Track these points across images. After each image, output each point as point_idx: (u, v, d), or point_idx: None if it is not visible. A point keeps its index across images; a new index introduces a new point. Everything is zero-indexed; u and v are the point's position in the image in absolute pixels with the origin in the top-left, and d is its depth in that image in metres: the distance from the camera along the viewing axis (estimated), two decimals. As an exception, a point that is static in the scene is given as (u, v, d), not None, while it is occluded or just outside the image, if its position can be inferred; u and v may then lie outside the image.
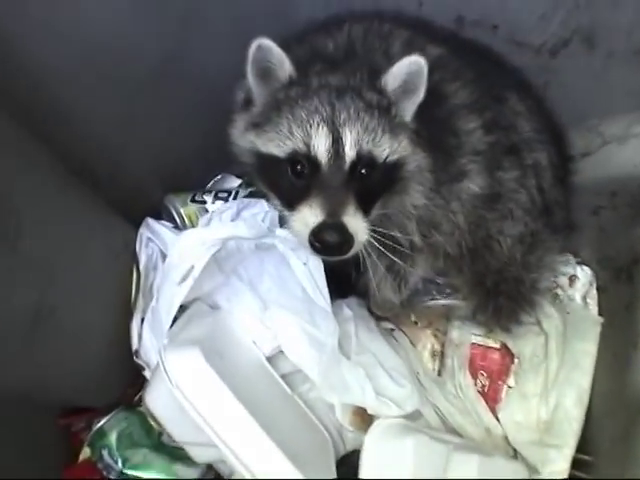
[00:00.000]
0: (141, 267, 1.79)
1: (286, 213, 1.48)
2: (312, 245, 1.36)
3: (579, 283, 2.04)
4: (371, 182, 1.42)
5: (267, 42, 1.36)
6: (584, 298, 2.04)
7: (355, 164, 1.38)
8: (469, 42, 1.76)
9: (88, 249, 1.62)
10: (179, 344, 1.56)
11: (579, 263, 2.06)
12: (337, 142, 1.36)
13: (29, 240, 1.34)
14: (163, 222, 1.89)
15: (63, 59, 1.49)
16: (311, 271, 1.72)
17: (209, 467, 1.79)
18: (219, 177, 2.17)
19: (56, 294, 1.45)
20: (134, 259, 1.80)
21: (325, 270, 1.70)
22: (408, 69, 1.38)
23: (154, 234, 1.83)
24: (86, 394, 1.76)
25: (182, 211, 1.97)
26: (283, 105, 1.42)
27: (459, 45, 1.71)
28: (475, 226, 1.68)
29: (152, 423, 1.76)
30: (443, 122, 1.55)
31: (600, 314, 2.00)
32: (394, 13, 1.71)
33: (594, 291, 2.04)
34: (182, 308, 1.71)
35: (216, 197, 1.98)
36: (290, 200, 1.43)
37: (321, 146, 1.36)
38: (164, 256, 1.81)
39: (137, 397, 1.88)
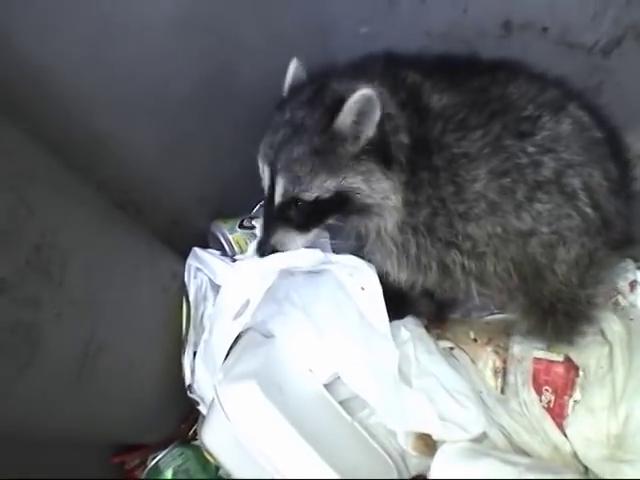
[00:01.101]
0: (191, 298, 1.73)
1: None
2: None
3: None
4: (305, 211, 1.56)
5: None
6: None
7: (283, 203, 1.56)
8: (501, 66, 1.66)
9: (135, 283, 1.57)
10: (234, 378, 1.50)
11: (639, 268, 1.95)
12: (273, 185, 1.56)
13: (75, 276, 1.32)
14: (211, 250, 1.84)
15: (101, 86, 1.48)
16: (369, 296, 1.67)
17: None
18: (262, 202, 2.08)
19: (104, 330, 1.41)
20: (183, 291, 1.75)
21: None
22: (360, 103, 1.43)
23: (202, 263, 1.77)
24: (139, 431, 1.72)
25: (230, 238, 1.93)
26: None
27: (481, 76, 1.63)
28: (518, 263, 1.64)
29: (208, 457, 1.70)
30: (439, 171, 1.56)
31: None
32: (420, 55, 1.66)
33: None
34: (235, 338, 1.64)
35: None
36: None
37: (266, 186, 1.60)
38: (214, 285, 1.76)
39: (191, 432, 1.84)
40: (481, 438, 1.71)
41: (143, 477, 1.78)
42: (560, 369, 1.82)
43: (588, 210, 1.59)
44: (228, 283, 1.66)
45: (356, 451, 1.63)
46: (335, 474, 1.42)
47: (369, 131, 1.47)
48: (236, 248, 1.91)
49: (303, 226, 1.59)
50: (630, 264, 1.95)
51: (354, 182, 1.51)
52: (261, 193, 1.87)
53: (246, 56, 1.67)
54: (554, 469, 1.66)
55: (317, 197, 1.51)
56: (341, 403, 1.69)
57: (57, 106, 1.42)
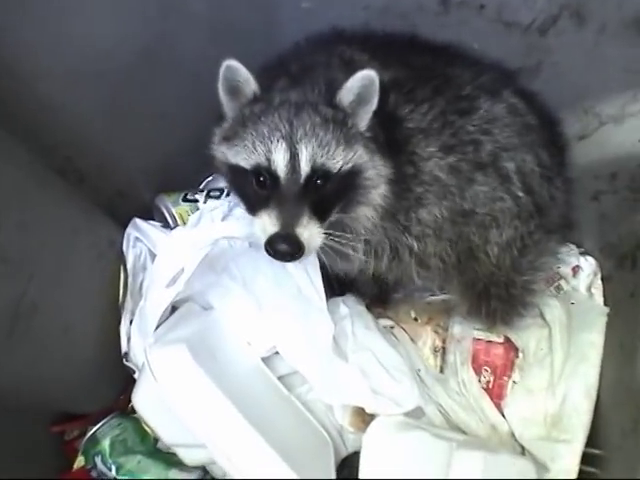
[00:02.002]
0: (129, 267, 1.70)
1: (250, 217, 1.51)
2: (267, 251, 1.41)
3: (583, 274, 1.94)
4: (326, 191, 1.46)
5: (234, 63, 1.42)
6: (589, 289, 1.92)
7: (310, 177, 1.42)
8: (435, 48, 1.68)
9: (71, 247, 1.54)
10: (165, 342, 1.48)
11: (582, 253, 1.96)
12: (294, 157, 1.41)
13: (6, 233, 1.29)
14: (151, 222, 1.81)
15: (42, 51, 1.46)
16: (306, 269, 1.66)
17: (205, 472, 1.70)
18: (210, 178, 2.08)
19: (38, 290, 1.39)
20: (121, 259, 1.71)
21: (321, 268, 1.67)
22: (361, 82, 1.41)
23: (142, 234, 1.74)
24: (77, 400, 1.70)
25: (174, 210, 1.89)
26: (248, 121, 1.47)
27: (423, 56, 1.65)
28: (454, 242, 1.65)
29: (147, 429, 1.70)
30: (399, 149, 1.54)
31: (605, 304, 1.89)
32: (362, 31, 1.66)
33: (599, 281, 1.93)
34: (173, 309, 1.64)
35: (208, 196, 1.92)
36: (253, 206, 1.48)
37: (280, 161, 1.41)
38: (153, 256, 1.73)
39: (131, 404, 1.77)
40: (418, 415, 1.70)
41: (81, 447, 1.74)
42: (499, 350, 1.84)
43: (520, 194, 1.61)
44: (163, 251, 1.63)
45: (292, 425, 1.62)
46: (262, 439, 1.40)
47: (370, 110, 1.45)
48: (179, 221, 1.88)
49: (323, 212, 1.45)
50: (573, 249, 1.96)
51: (363, 158, 1.47)
52: (207, 169, 1.86)
53: (188, 25, 1.64)
54: (489, 447, 1.65)
55: (340, 169, 1.43)
56: (280, 379, 1.69)
57: (2, 69, 1.39)
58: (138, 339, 1.61)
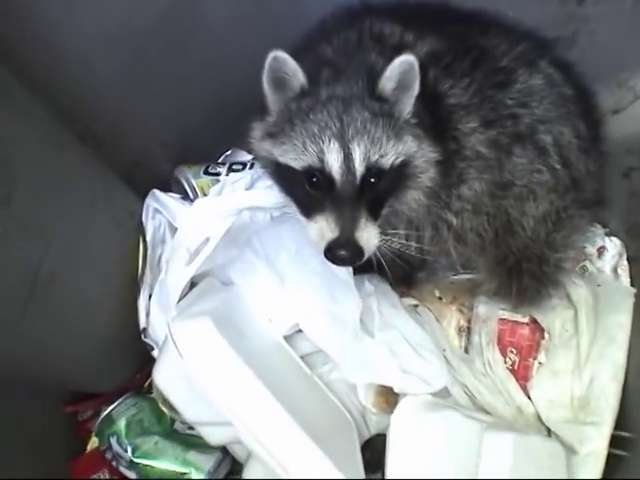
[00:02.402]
0: (148, 239, 1.62)
1: (302, 219, 1.43)
2: (326, 257, 1.35)
3: (608, 255, 1.87)
4: (380, 188, 1.40)
5: (282, 54, 1.32)
6: (614, 270, 1.86)
7: (365, 177, 1.35)
8: (468, 16, 1.60)
9: (89, 216, 1.46)
10: (189, 315, 1.40)
11: (607, 234, 1.90)
12: (348, 157, 1.34)
13: (25, 197, 1.22)
14: (171, 194, 1.72)
15: (67, 11, 1.38)
16: None
17: (224, 455, 1.64)
18: (229, 152, 1.99)
19: (55, 259, 1.32)
20: (140, 231, 1.63)
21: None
22: (400, 69, 1.33)
23: (162, 205, 1.66)
24: (92, 377, 1.62)
25: (194, 183, 1.81)
26: (295, 118, 1.38)
27: (456, 25, 1.57)
28: (492, 216, 1.59)
29: (164, 409, 1.63)
30: (443, 128, 1.48)
31: (632, 285, 1.83)
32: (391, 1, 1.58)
33: (625, 262, 1.86)
34: (192, 285, 1.56)
35: (230, 169, 1.82)
36: (307, 208, 1.40)
37: (334, 163, 1.33)
38: (172, 229, 1.65)
39: (147, 383, 1.74)
40: (444, 395, 1.64)
41: (95, 428, 1.67)
42: (525, 331, 1.78)
43: (558, 167, 1.55)
44: (185, 221, 1.55)
45: (314, 404, 1.55)
46: (290, 418, 1.32)
47: (413, 95, 1.37)
48: (200, 194, 1.79)
49: (377, 210, 1.40)
50: (599, 229, 1.89)
51: (413, 148, 1.40)
52: (229, 141, 1.78)
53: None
54: (517, 429, 1.59)
55: (392, 164, 1.36)
56: (302, 358, 1.62)
57: (24, 29, 1.34)
58: (158, 314, 1.54)
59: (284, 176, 1.44)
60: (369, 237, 1.34)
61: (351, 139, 1.33)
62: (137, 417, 1.64)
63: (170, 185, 1.85)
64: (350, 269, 1.59)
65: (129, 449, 1.60)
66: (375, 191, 1.37)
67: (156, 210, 1.65)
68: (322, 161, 1.33)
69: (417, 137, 1.41)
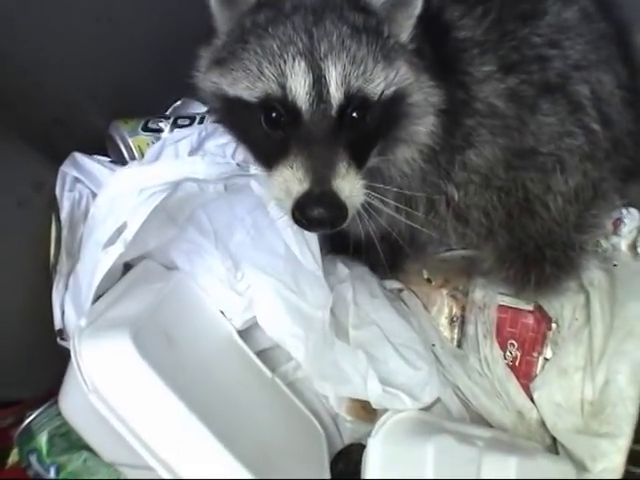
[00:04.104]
0: (63, 217, 1.23)
1: (264, 173, 1.06)
2: (296, 220, 0.99)
3: (625, 229, 1.51)
4: (366, 127, 1.04)
5: None
6: (633, 247, 1.51)
7: (344, 107, 1.00)
8: None
9: None
10: (102, 327, 1.03)
11: (625, 205, 1.51)
12: (319, 81, 0.98)
13: None
14: (97, 157, 1.33)
15: None
16: None
17: None
18: (179, 103, 1.60)
19: None
20: (53, 207, 1.24)
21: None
22: None
23: (83, 173, 1.27)
24: (5, 383, 1.25)
25: (130, 141, 1.41)
26: (250, 35, 1.03)
27: None
28: (505, 192, 1.23)
29: None
30: (448, 67, 1.12)
31: None
32: None
33: None
34: (127, 267, 1.22)
35: (175, 124, 1.44)
36: (267, 157, 1.05)
37: (300, 88, 0.98)
38: (98, 202, 1.26)
39: None
40: (433, 402, 1.35)
41: (15, 441, 1.31)
42: (529, 320, 1.47)
43: (596, 127, 1.22)
44: (102, 197, 1.16)
45: (276, 415, 1.28)
46: (229, 455, 0.97)
47: (413, 15, 1.04)
48: (137, 154, 1.41)
49: (362, 156, 1.04)
50: (615, 199, 1.46)
51: (408, 79, 1.05)
52: (178, 90, 1.45)
53: None
54: (519, 446, 1.31)
55: (381, 95, 1.01)
56: (262, 352, 1.33)
57: None
58: (73, 313, 1.16)
59: (236, 115, 1.09)
60: (352, 188, 0.98)
61: (324, 57, 0.99)
62: (62, 429, 1.24)
63: (103, 148, 1.46)
64: (318, 254, 1.23)
65: (52, 470, 1.23)
66: (359, 130, 1.03)
67: (76, 179, 1.27)
68: (283, 87, 0.98)
69: (415, 67, 1.07)
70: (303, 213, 0.96)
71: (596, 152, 1.22)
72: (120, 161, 1.41)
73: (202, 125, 1.39)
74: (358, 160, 1.01)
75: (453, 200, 1.22)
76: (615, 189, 1.33)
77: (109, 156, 1.43)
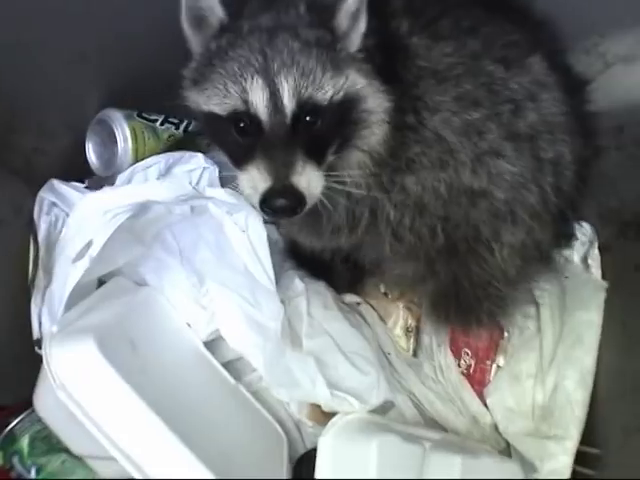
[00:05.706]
0: (40, 238, 1.33)
1: (237, 174, 1.18)
2: (263, 211, 1.14)
3: (577, 242, 1.56)
4: (319, 129, 1.14)
5: None
6: (584, 259, 1.56)
7: (297, 115, 1.11)
8: None
9: None
10: (70, 332, 1.11)
11: (577, 220, 1.54)
12: (275, 94, 1.10)
13: None
14: (73, 183, 1.39)
15: None
16: (251, 240, 1.30)
17: None
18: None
19: None
20: (30, 228, 1.34)
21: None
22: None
23: (59, 197, 1.35)
24: None
25: (126, 125, 1.43)
26: (215, 57, 1.15)
27: None
28: (453, 226, 1.27)
29: None
30: (404, 88, 1.18)
31: (603, 278, 1.55)
32: None
33: (596, 251, 1.57)
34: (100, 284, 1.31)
35: (167, 120, 1.50)
36: (238, 160, 1.17)
37: (259, 102, 1.10)
38: (71, 224, 1.34)
39: None
40: (387, 407, 1.40)
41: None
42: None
43: (549, 190, 1.26)
44: (72, 218, 1.24)
45: (239, 420, 1.33)
46: (189, 453, 1.06)
47: (360, 30, 1.13)
48: (130, 140, 1.42)
49: (319, 154, 1.15)
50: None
51: (359, 83, 1.14)
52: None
53: None
54: (469, 447, 1.34)
55: (331, 100, 1.11)
56: (228, 364, 1.39)
57: None
58: (48, 324, 1.24)
59: (212, 126, 1.21)
60: (310, 181, 1.11)
61: (277, 73, 1.09)
62: (43, 433, 1.33)
63: (80, 174, 1.47)
64: (271, 271, 1.29)
65: (33, 470, 1.31)
66: (313, 132, 1.13)
67: (53, 204, 1.36)
68: (246, 102, 1.11)
69: (365, 73, 1.15)
70: (269, 204, 1.09)
71: (545, 215, 1.26)
72: (110, 148, 1.42)
73: (169, 153, 1.42)
74: (316, 157, 1.12)
75: (390, 217, 1.25)
76: (554, 257, 1.41)
77: (83, 182, 1.44)
